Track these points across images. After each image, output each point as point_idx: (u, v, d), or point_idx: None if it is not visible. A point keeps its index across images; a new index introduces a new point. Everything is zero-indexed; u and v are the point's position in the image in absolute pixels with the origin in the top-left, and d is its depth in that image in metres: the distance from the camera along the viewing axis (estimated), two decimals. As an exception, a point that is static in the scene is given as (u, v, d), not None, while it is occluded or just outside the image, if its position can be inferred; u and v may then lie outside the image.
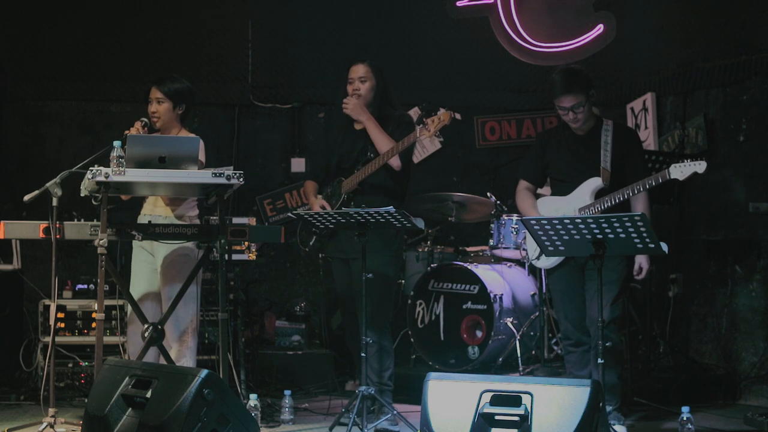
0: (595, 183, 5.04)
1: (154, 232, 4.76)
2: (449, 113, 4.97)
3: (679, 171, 4.75)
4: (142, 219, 5.16)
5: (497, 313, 6.20)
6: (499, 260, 6.71)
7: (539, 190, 5.45)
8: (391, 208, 4.75)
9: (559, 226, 4.35)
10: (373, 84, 5.31)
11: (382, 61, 5.47)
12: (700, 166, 4.73)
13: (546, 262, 5.14)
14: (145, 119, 5.16)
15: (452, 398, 3.71)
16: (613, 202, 4.93)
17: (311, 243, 5.49)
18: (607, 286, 4.84)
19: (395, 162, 5.17)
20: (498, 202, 6.49)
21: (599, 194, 5.02)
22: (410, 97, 7.12)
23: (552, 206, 5.14)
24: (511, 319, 6.29)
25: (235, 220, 5.75)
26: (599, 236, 4.33)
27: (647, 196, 5.02)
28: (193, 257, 5.15)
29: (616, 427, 4.85)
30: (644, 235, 4.28)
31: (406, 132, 5.12)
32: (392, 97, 5.40)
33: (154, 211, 5.18)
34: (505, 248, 6.48)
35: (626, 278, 5.12)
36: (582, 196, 5.06)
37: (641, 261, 5.08)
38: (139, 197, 5.27)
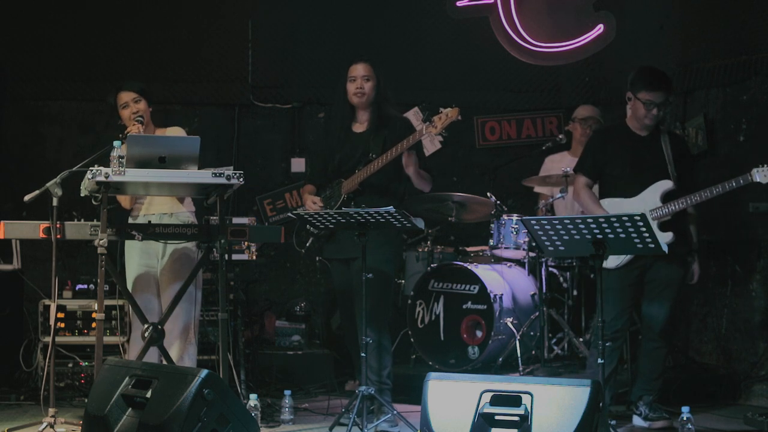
0: (666, 185, 5.10)
1: (154, 232, 4.76)
2: (457, 109, 4.90)
3: (763, 175, 4.84)
4: (137, 218, 5.15)
5: (497, 313, 6.19)
6: (499, 260, 6.71)
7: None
8: (390, 208, 4.74)
9: (559, 226, 4.35)
10: (375, 83, 5.30)
11: (382, 61, 5.47)
12: None
13: (613, 262, 5.15)
14: (141, 117, 5.15)
15: (452, 398, 3.71)
16: (688, 203, 5.01)
17: (308, 244, 5.46)
18: (670, 288, 5.17)
19: (417, 177, 5.18)
20: (498, 202, 6.48)
21: (668, 197, 5.07)
22: (410, 97, 7.14)
23: (618, 208, 5.12)
24: (511, 319, 6.28)
25: (235, 220, 5.75)
26: (599, 236, 4.33)
27: None
28: (195, 256, 5.16)
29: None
30: (644, 235, 4.28)
31: (408, 134, 5.10)
32: (389, 96, 5.38)
33: (150, 210, 5.18)
34: (505, 248, 6.49)
35: (684, 280, 5.29)
36: (652, 198, 5.10)
37: (695, 265, 5.29)
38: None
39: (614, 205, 5.19)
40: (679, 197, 5.05)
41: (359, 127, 5.35)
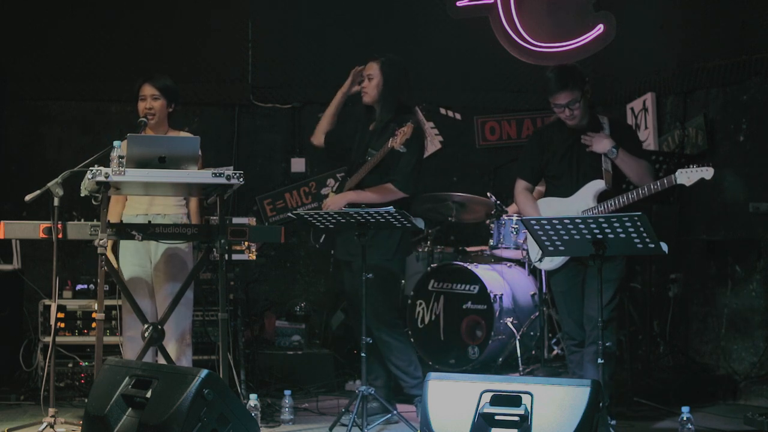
0: (597, 186, 5.01)
1: (154, 232, 4.76)
2: (411, 125, 5.01)
3: (686, 177, 4.74)
4: (135, 219, 5.15)
5: (497, 313, 6.20)
6: (499, 260, 6.71)
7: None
8: (390, 208, 4.75)
9: (559, 226, 4.35)
10: (378, 82, 5.30)
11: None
12: (708, 173, 4.72)
13: (548, 264, 5.12)
14: (144, 119, 5.15)
15: (452, 398, 3.71)
16: (616, 206, 4.90)
17: (321, 240, 5.47)
18: (605, 285, 4.84)
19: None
20: (498, 202, 6.49)
21: (602, 197, 5.00)
22: (410, 96, 7.10)
23: (554, 208, 5.10)
24: (511, 319, 6.29)
25: (235, 220, 5.74)
26: (599, 236, 4.33)
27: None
28: (188, 254, 5.16)
29: None
30: (644, 235, 4.28)
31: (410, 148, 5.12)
32: (402, 94, 5.33)
33: (150, 210, 5.17)
34: (505, 248, 6.48)
35: (624, 278, 5.11)
36: (585, 199, 5.03)
37: None
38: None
39: (549, 206, 5.13)
40: (613, 195, 4.94)
41: (372, 126, 5.36)
